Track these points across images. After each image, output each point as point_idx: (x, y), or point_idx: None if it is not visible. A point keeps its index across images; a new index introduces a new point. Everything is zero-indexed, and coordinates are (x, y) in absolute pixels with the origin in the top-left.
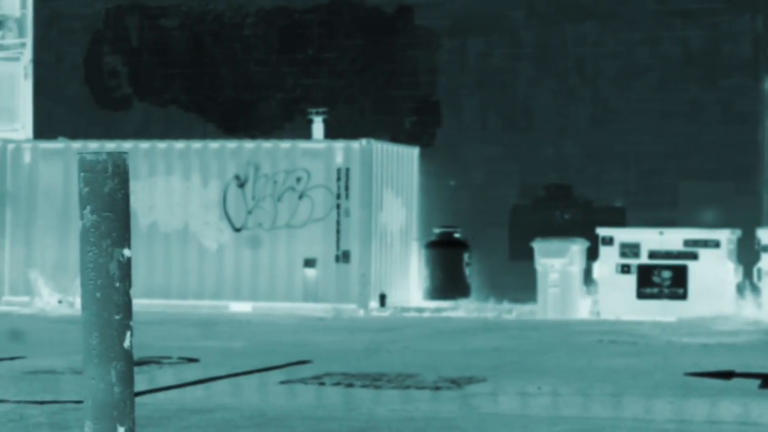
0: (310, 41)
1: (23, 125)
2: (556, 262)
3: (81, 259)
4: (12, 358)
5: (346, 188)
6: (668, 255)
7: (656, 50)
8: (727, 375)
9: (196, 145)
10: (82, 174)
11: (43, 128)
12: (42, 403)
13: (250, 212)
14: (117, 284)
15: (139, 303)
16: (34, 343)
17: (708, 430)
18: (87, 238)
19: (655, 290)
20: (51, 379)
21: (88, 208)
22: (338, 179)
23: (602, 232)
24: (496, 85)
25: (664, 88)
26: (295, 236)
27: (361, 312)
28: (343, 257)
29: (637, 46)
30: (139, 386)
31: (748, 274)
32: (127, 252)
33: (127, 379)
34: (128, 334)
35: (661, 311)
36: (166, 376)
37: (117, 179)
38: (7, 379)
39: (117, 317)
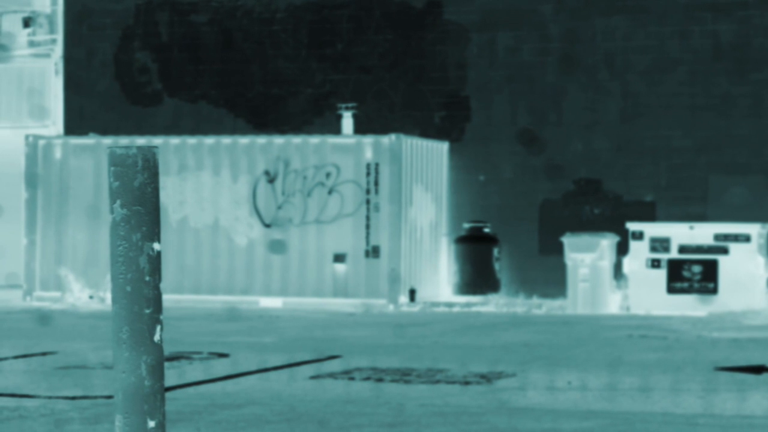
0: (339, 36)
1: (54, 121)
2: (586, 256)
3: (111, 253)
4: (43, 354)
5: (376, 183)
6: (698, 249)
7: (686, 44)
8: (757, 369)
9: (226, 140)
10: (112, 168)
11: (74, 124)
12: (73, 398)
13: (279, 207)
14: (147, 278)
15: (169, 298)
16: (65, 339)
17: (739, 424)
18: (117, 232)
19: (686, 285)
20: (82, 374)
21: (118, 202)
22: (368, 174)
23: (632, 226)
24: (526, 79)
25: (694, 82)
26: (324, 231)
27: (391, 307)
28: (373, 252)
29: (667, 39)
30: (169, 381)
31: None
32: (157, 246)
33: (158, 373)
34: (158, 328)
35: (691, 306)
36: (196, 371)
37: (147, 173)
38: (39, 374)
39: (147, 311)
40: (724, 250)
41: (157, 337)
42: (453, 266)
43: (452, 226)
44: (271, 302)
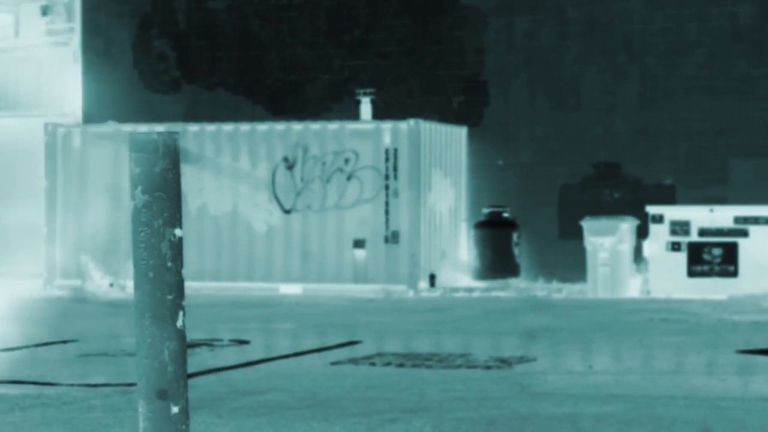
0: (357, 22)
1: (73, 110)
2: (606, 240)
3: (133, 239)
4: (64, 342)
5: (395, 169)
6: (718, 232)
7: (705, 26)
8: None
9: (245, 127)
10: (133, 154)
11: (93, 112)
12: (95, 385)
13: (299, 194)
14: (169, 264)
15: (189, 286)
16: (86, 327)
17: (761, 407)
18: (138, 218)
19: (706, 268)
20: (103, 361)
21: (140, 188)
22: (387, 160)
23: (652, 210)
24: (544, 63)
25: (713, 64)
26: (344, 217)
27: (411, 293)
28: (393, 238)
29: (686, 22)
30: (190, 368)
31: None
32: (178, 232)
33: (180, 359)
34: (181, 314)
35: (711, 289)
36: (217, 358)
37: (168, 159)
38: (60, 362)
39: (169, 297)
40: (744, 233)
41: (179, 323)
42: (473, 251)
43: (471, 211)
44: (291, 289)
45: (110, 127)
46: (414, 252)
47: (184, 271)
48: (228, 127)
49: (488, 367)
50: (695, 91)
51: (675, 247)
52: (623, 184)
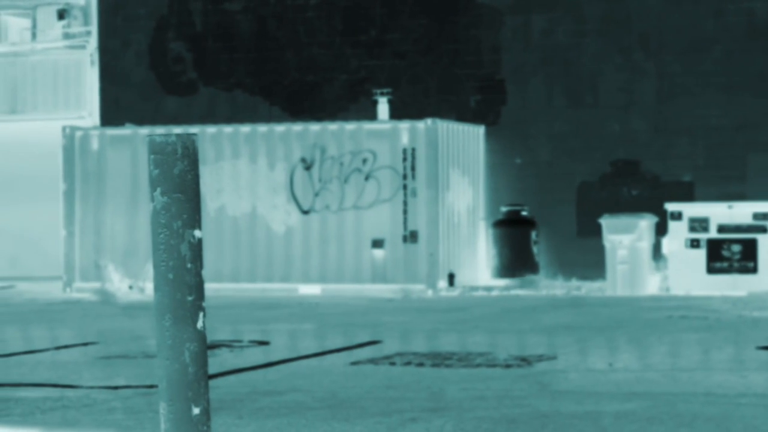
0: (373, 22)
1: (90, 112)
2: (625, 238)
3: (152, 241)
4: (85, 344)
5: (413, 168)
6: (737, 229)
7: (721, 22)
8: None
9: (262, 128)
10: (151, 156)
11: (110, 115)
12: (115, 387)
13: (317, 194)
14: (189, 265)
15: (208, 287)
16: (106, 329)
17: None
18: (158, 219)
19: (725, 264)
20: (124, 363)
21: (159, 189)
22: (404, 159)
23: (671, 207)
24: (561, 61)
25: (730, 60)
26: (362, 217)
27: (430, 292)
28: (411, 237)
29: (702, 18)
30: (211, 369)
31: None
32: (198, 233)
33: (201, 360)
34: (201, 315)
35: (731, 285)
36: (237, 359)
37: (187, 160)
38: (81, 364)
39: (189, 298)
40: (764, 229)
41: (199, 324)
42: (491, 250)
43: (490, 209)
44: (310, 289)
45: (128, 129)
46: (432, 251)
47: (203, 273)
48: (245, 129)
49: (508, 366)
50: (713, 88)
51: (694, 243)
52: (641, 182)
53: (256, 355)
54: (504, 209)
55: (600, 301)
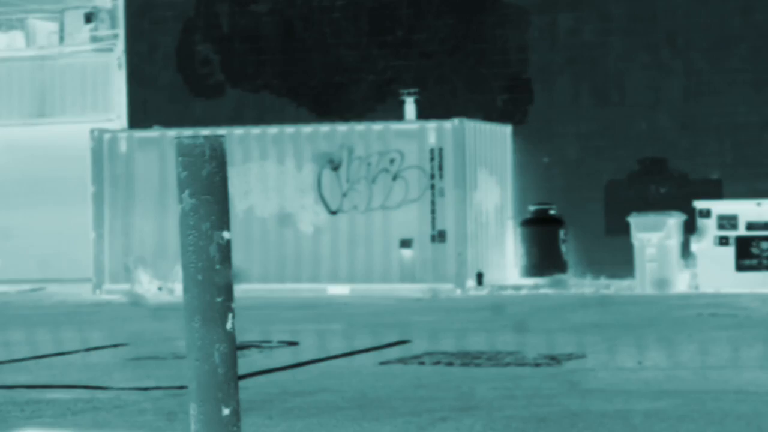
0: (399, 23)
1: (118, 115)
2: (653, 236)
3: (181, 242)
4: (115, 346)
5: (440, 168)
6: (766, 226)
7: (749, 20)
8: None
9: (290, 129)
10: (179, 158)
11: (138, 117)
12: (145, 389)
13: (345, 195)
14: (218, 266)
15: (237, 288)
16: (135, 330)
17: None
18: (186, 221)
19: (754, 262)
20: (154, 365)
21: (187, 191)
22: (432, 159)
23: (699, 204)
24: (587, 60)
25: (757, 57)
26: (390, 217)
27: (458, 292)
28: (439, 237)
29: (729, 16)
30: (240, 370)
31: None
32: (226, 234)
33: (231, 361)
34: (230, 315)
35: (760, 283)
36: (267, 359)
37: (215, 162)
38: (111, 366)
39: (219, 299)
40: None
41: (229, 325)
42: (519, 249)
43: (517, 208)
44: (339, 289)
45: (156, 131)
46: (461, 251)
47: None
48: (273, 130)
49: (538, 365)
50: (740, 85)
51: (723, 241)
52: (669, 180)
53: (286, 356)
54: (532, 208)
55: (629, 299)
